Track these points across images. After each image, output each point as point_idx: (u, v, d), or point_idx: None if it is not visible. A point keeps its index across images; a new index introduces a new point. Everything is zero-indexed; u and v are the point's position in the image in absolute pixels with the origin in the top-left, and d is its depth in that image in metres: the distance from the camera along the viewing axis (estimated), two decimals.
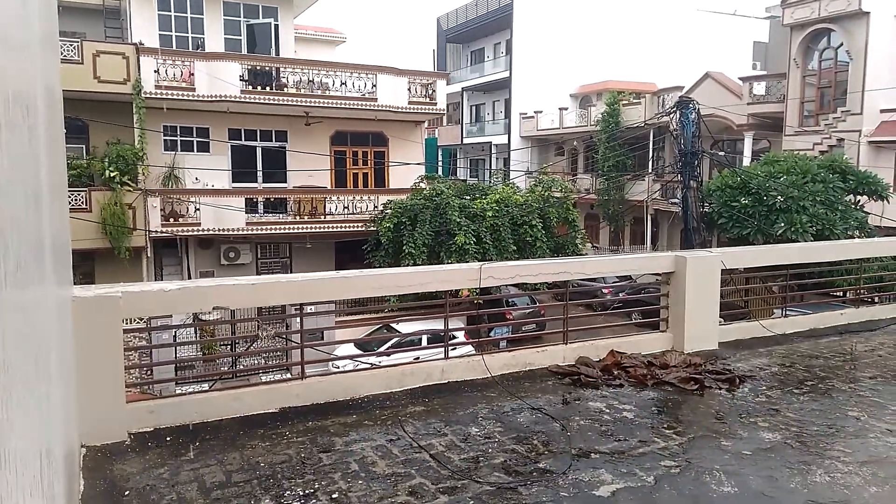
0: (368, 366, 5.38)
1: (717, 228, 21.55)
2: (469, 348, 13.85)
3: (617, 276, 19.40)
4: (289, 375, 15.78)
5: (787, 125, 25.97)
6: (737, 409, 4.52)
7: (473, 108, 46.78)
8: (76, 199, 16.76)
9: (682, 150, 20.63)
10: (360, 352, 15.40)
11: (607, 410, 4.49)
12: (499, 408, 4.53)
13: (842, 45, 24.53)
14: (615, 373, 5.22)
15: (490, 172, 40.11)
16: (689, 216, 20.68)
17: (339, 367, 12.65)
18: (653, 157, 31.87)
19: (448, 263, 17.40)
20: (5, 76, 1.39)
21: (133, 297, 3.97)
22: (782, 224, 18.92)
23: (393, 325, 17.25)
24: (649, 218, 30.75)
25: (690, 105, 20.49)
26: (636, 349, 5.70)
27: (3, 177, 1.26)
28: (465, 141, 45.80)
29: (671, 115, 21.40)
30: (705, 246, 20.99)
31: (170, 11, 20.02)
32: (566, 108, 38.41)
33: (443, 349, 5.33)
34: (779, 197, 19.20)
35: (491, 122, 44.36)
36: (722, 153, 27.12)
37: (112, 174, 17.06)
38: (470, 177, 43.13)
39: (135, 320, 11.52)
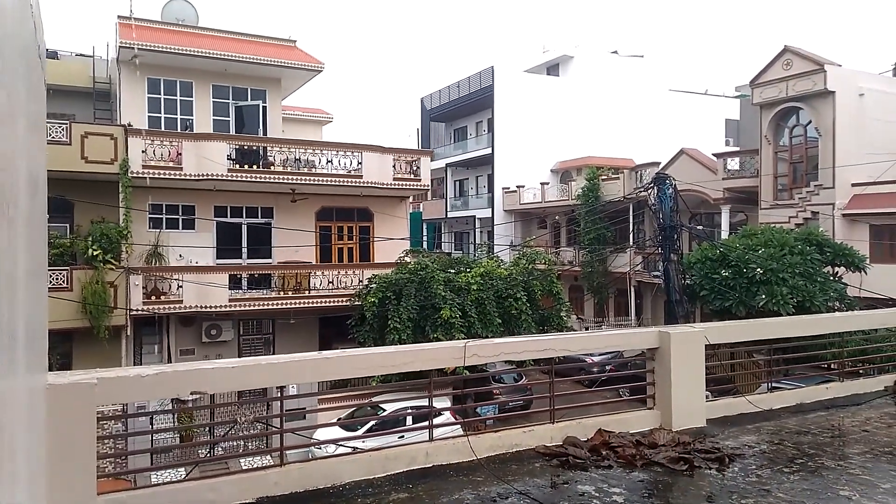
0: (350, 450, 5.23)
1: (700, 300, 21.71)
2: (456, 427, 13.59)
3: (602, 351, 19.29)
4: (269, 460, 15.30)
5: (762, 199, 26.69)
6: (728, 490, 4.42)
7: (457, 183, 47.69)
8: (57, 278, 16.55)
9: (662, 223, 21.03)
10: (344, 432, 15.02)
11: (596, 494, 4.37)
12: (485, 493, 4.39)
13: (810, 122, 25.58)
14: (604, 453, 5.12)
15: (474, 246, 40.53)
16: (671, 288, 20.85)
17: (321, 450, 12.31)
18: (633, 229, 32.46)
19: (433, 337, 17.25)
20: None
21: (109, 384, 3.87)
22: (763, 296, 19.13)
23: (377, 402, 16.93)
24: (633, 289, 30.97)
25: (667, 181, 21.05)
26: (624, 427, 5.62)
27: None
28: (450, 215, 46.44)
29: (649, 191, 21.94)
30: (689, 318, 21.06)
31: (159, 94, 20.54)
32: (547, 183, 39.32)
33: (427, 429, 5.21)
34: (758, 269, 19.50)
35: (474, 196, 45.17)
36: (700, 227, 27.69)
37: (95, 253, 16.95)
38: (454, 250, 43.49)
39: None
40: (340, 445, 7.00)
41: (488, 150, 41.40)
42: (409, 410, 14.47)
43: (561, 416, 5.68)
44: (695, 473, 4.76)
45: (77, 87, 22.41)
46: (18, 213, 2.17)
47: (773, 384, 7.26)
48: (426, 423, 5.27)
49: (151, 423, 14.78)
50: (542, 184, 39.06)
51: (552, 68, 47.04)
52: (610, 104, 42.86)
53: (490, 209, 41.41)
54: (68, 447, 3.62)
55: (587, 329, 30.21)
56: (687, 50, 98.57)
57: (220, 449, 14.52)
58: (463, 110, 44.99)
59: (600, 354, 20.35)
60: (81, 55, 23.91)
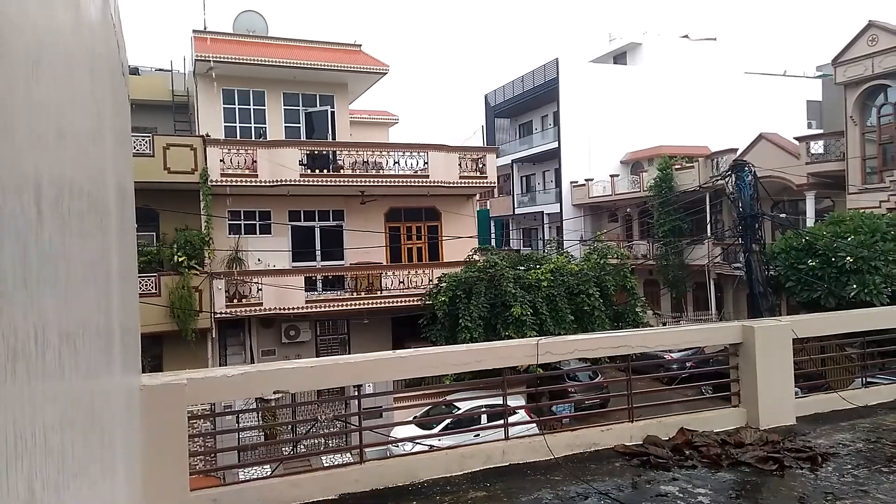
0: (427, 448, 5.28)
1: (785, 292, 20.69)
2: (531, 426, 13.48)
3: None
4: (349, 458, 15.64)
5: (849, 183, 25.14)
6: (822, 491, 4.18)
7: (524, 178, 47.25)
8: (146, 285, 17.49)
9: (741, 212, 20.14)
10: (420, 430, 15.18)
11: (681, 495, 4.23)
12: (564, 493, 4.33)
13: None
14: (687, 452, 4.95)
15: (543, 242, 40.05)
16: (754, 281, 19.95)
17: (399, 448, 12.48)
18: (711, 220, 31.22)
19: (505, 335, 17.18)
20: (78, 174, 1.47)
21: (198, 384, 4.05)
22: (854, 286, 18.04)
23: (452, 401, 17.01)
24: (712, 283, 29.81)
25: (746, 167, 20.16)
26: (707, 426, 5.41)
27: (76, 275, 1.29)
28: (517, 211, 46.08)
29: (727, 179, 21.06)
30: (774, 311, 20.09)
31: (234, 104, 21.37)
32: (617, 175, 38.38)
33: (503, 427, 5.18)
34: (848, 258, 18.40)
35: (542, 191, 44.62)
36: (783, 215, 26.34)
37: (180, 259, 17.82)
38: (523, 247, 43.13)
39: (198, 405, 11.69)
40: (417, 443, 7.07)
41: (554, 145, 40.80)
42: (484, 409, 14.45)
43: (640, 415, 5.53)
44: (785, 473, 4.53)
45: (158, 101, 23.60)
46: (110, 223, 2.29)
47: (868, 379, 6.81)
48: (501, 422, 5.25)
49: (238, 422, 15.43)
50: (611, 176, 38.15)
51: (619, 57, 45.83)
52: (682, 91, 41.37)
53: (558, 204, 40.80)
54: (162, 445, 3.81)
55: (664, 325, 29.33)
56: (762, 30, 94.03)
57: (301, 447, 14.99)
58: (527, 105, 44.51)
59: (679, 351, 19.71)
60: (161, 70, 25.17)
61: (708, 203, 30.34)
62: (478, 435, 10.20)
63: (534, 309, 18.48)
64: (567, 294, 19.31)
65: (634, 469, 4.75)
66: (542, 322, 18.39)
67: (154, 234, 19.39)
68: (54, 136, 1.13)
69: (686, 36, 47.08)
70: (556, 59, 40.46)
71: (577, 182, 39.98)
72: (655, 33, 45.88)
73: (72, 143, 1.38)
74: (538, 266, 20.15)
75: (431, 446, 5.55)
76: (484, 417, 14.65)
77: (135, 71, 25.16)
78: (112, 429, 2.13)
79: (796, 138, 27.88)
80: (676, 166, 32.75)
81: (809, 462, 4.68)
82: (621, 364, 6.15)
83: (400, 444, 13.12)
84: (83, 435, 1.40)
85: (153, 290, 17.54)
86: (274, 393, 4.32)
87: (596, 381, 19.12)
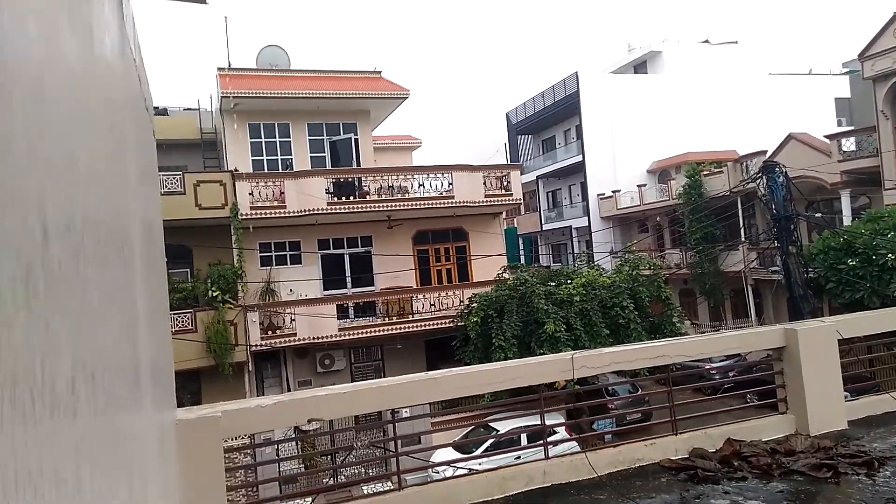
0: (466, 471, 5.18)
1: (827, 294, 20.09)
2: (572, 444, 13.19)
3: (724, 355, 18.25)
4: (389, 485, 15.43)
5: (885, 179, 24.42)
6: (882, 497, 3.98)
7: (550, 194, 47.04)
8: (182, 321, 17.70)
9: (775, 215, 19.70)
10: (459, 454, 15.00)
11: None
12: None
13: None
14: (735, 464, 4.77)
15: (573, 256, 39.70)
16: (793, 284, 19.43)
17: (438, 473, 12.34)
18: (744, 224, 30.60)
19: (539, 353, 16.97)
20: (98, 214, 1.48)
21: (233, 416, 4.04)
22: None
23: (490, 423, 16.79)
24: (750, 289, 29.10)
25: (776, 168, 19.75)
26: (755, 436, 5.22)
27: (94, 312, 1.29)
28: (545, 227, 45.82)
29: (757, 181, 20.66)
30: (816, 314, 19.52)
31: (260, 138, 21.80)
32: (645, 185, 37.98)
33: (543, 446, 5.07)
34: (889, 255, 17.81)
35: (569, 206, 44.33)
36: (819, 214, 25.69)
37: (214, 294, 18.04)
38: (553, 262, 42.79)
39: (237, 438, 11.76)
40: (456, 468, 6.96)
41: (578, 158, 40.62)
42: (523, 429, 14.21)
43: (684, 427, 5.36)
44: (841, 480, 4.33)
45: (187, 140, 24.18)
46: (134, 256, 2.29)
47: None
48: (541, 442, 5.13)
49: (277, 453, 15.45)
50: (638, 186, 37.75)
51: (639, 66, 45.61)
52: (706, 96, 40.94)
53: (586, 217, 40.48)
54: (199, 479, 3.80)
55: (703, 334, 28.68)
56: (784, 30, 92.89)
57: (342, 475, 14.93)
58: (549, 120, 44.48)
59: (720, 361, 19.22)
60: (189, 109, 25.81)
61: (740, 207, 29.77)
62: (518, 457, 10.02)
63: (567, 325, 18.25)
64: (600, 308, 19.04)
65: (682, 484, 4.59)
66: (577, 338, 18.14)
67: (188, 270, 19.67)
68: (63, 162, 1.13)
69: (706, 41, 46.70)
70: (576, 72, 40.46)
71: (603, 194, 39.64)
72: (675, 40, 45.56)
73: (83, 170, 1.37)
74: (569, 281, 19.94)
75: (471, 469, 5.45)
76: (524, 438, 14.42)
77: (164, 112, 25.83)
78: (143, 464, 2.11)
79: (827, 136, 27.27)
80: (705, 172, 32.25)
81: (865, 467, 4.47)
82: (661, 376, 5.99)
83: (440, 469, 12.98)
84: (104, 470, 1.38)
85: (189, 326, 17.75)
86: (309, 421, 4.28)
87: (636, 394, 18.73)
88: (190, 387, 18.29)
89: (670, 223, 36.52)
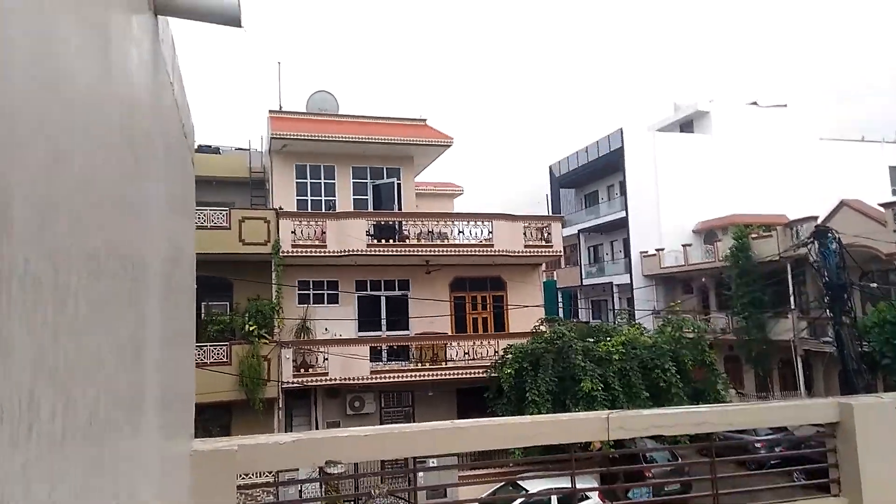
0: None
1: (882, 370, 19.03)
2: None
3: (770, 428, 17.32)
4: None
5: None
6: None
7: (591, 249, 46.58)
8: (218, 353, 17.90)
9: (828, 282, 18.94)
10: None
11: None
12: None
13: None
14: None
15: (614, 313, 38.86)
16: (846, 356, 18.50)
17: None
18: (793, 291, 29.53)
19: (575, 412, 16.42)
20: (103, 236, 1.45)
21: (249, 450, 3.91)
22: None
23: (520, 481, 16.18)
24: (799, 359, 27.84)
25: (829, 234, 19.10)
26: None
27: (77, 328, 1.23)
28: (585, 282, 45.21)
29: (809, 246, 19.98)
30: (870, 390, 18.48)
31: (306, 179, 22.30)
32: (690, 245, 37.25)
33: None
34: None
35: (610, 262, 43.76)
36: (874, 285, 24.63)
37: (251, 328, 18.21)
38: (592, 318, 41.99)
39: (262, 474, 11.65)
40: None
41: (621, 214, 40.26)
42: (553, 491, 13.62)
43: None
44: None
45: (237, 178, 24.92)
46: (148, 280, 2.21)
47: None
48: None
49: (300, 494, 15.13)
50: (683, 246, 37.04)
51: (685, 125, 45.42)
52: (753, 158, 40.38)
53: (628, 274, 39.78)
54: None
55: (750, 403, 27.46)
56: (834, 95, 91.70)
57: None
58: (593, 175, 44.43)
59: (766, 434, 18.24)
60: (240, 149, 26.66)
61: (790, 273, 28.79)
62: None
63: (605, 384, 17.68)
64: (641, 368, 18.44)
65: None
66: (615, 398, 17.52)
67: (228, 303, 19.94)
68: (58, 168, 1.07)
69: (754, 103, 46.29)
70: (621, 128, 40.52)
71: (646, 252, 39.00)
72: (722, 101, 45.34)
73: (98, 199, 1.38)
74: (608, 338, 19.43)
75: None
76: (554, 500, 13.82)
77: (216, 150, 26.78)
78: (145, 491, 2.05)
79: (881, 205, 26.36)
80: (753, 235, 31.43)
81: None
82: (703, 445, 5.62)
83: None
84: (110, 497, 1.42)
85: (224, 359, 17.87)
86: (327, 463, 4.12)
87: (676, 463, 17.87)
88: (221, 420, 18.35)
89: (716, 285, 35.55)
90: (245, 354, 17.95)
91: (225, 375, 17.37)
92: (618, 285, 41.35)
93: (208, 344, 17.88)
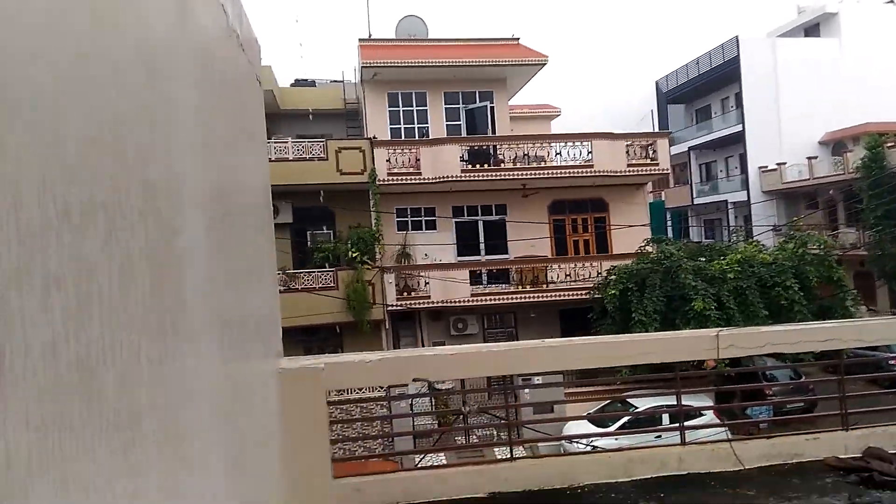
0: (589, 449, 4.71)
1: None
2: (720, 430, 12.07)
3: None
4: (521, 452, 15.18)
5: None
6: None
7: (703, 166, 43.96)
8: (325, 279, 18.79)
9: None
10: (594, 428, 14.37)
11: None
12: None
13: None
14: None
15: (729, 232, 36.77)
16: None
17: (572, 444, 11.83)
18: None
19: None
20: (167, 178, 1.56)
21: (335, 368, 3.90)
22: None
23: (628, 398, 15.94)
24: None
25: None
26: None
27: (184, 269, 1.53)
28: (696, 201, 42.91)
29: None
30: None
31: (398, 107, 22.18)
32: (815, 157, 34.14)
33: (679, 430, 4.46)
34: None
35: (724, 179, 41.17)
36: None
37: (354, 255, 18.84)
38: (704, 238, 40.02)
39: (373, 389, 12.20)
40: (576, 442, 6.47)
41: (737, 128, 37.45)
42: (664, 408, 13.20)
43: (856, 422, 4.47)
44: None
45: (333, 110, 25.21)
46: (229, 215, 2.37)
47: None
48: (677, 425, 4.52)
49: (411, 407, 15.74)
50: (808, 159, 34.01)
51: (811, 29, 40.76)
52: (888, 63, 35.92)
53: (745, 191, 37.34)
54: (302, 428, 3.69)
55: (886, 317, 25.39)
56: None
57: (473, 437, 14.95)
58: (704, 88, 41.36)
59: None
60: (335, 81, 26.80)
61: None
62: (660, 436, 9.29)
63: (718, 303, 16.85)
64: (759, 287, 17.39)
65: (852, 487, 3.80)
66: (730, 317, 16.70)
67: (331, 232, 20.66)
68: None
69: (891, 1, 40.53)
70: (736, 37, 37.24)
71: (765, 167, 36.25)
72: (854, 1, 40.07)
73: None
74: (722, 257, 18.37)
75: (595, 447, 4.96)
76: (665, 418, 13.42)
77: (312, 83, 27.18)
78: (250, 404, 2.42)
79: None
80: (889, 144, 28.30)
81: None
82: (830, 362, 5.07)
83: (573, 442, 12.48)
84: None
85: (332, 284, 18.72)
86: (414, 380, 4.04)
87: (799, 381, 16.87)
88: (333, 340, 19.55)
89: (845, 199, 32.55)
90: (350, 280, 18.68)
91: (333, 299, 18.17)
92: (733, 203, 39.00)
93: (315, 270, 18.83)
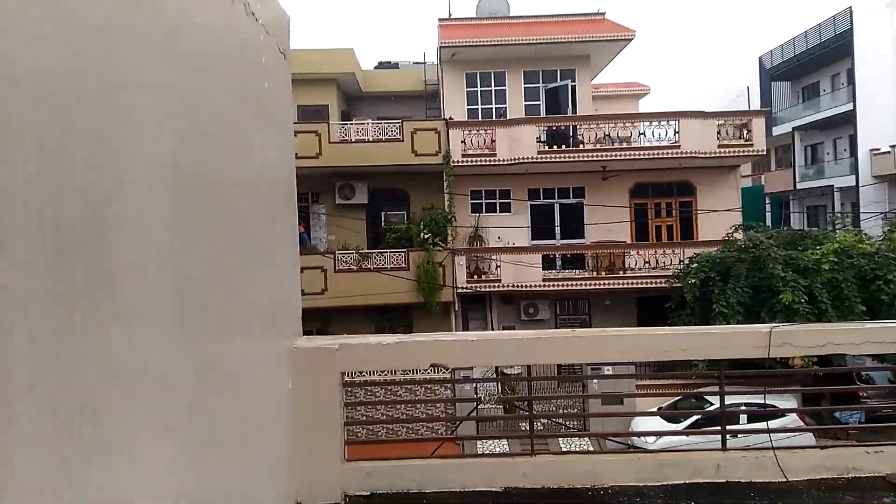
0: (616, 447, 4.46)
1: None
2: (808, 436, 11.28)
3: None
4: (585, 443, 14.88)
5: None
6: None
7: (808, 148, 40.92)
8: (397, 259, 19.03)
9: None
10: (666, 424, 13.84)
11: None
12: None
13: None
14: None
15: (833, 219, 34.18)
16: None
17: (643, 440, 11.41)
18: None
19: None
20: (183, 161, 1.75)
21: (350, 350, 3.86)
22: None
23: (706, 395, 15.22)
24: None
25: None
26: None
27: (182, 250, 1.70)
28: (800, 186, 40.07)
29: None
30: None
31: (476, 87, 21.93)
32: None
33: (720, 434, 4.12)
34: None
35: (832, 162, 38.16)
36: None
37: (426, 236, 18.95)
38: (808, 226, 37.37)
39: (440, 371, 12.18)
40: (626, 443, 6.17)
41: (848, 107, 34.56)
42: (743, 407, 12.47)
43: None
44: None
45: (413, 92, 25.32)
46: (220, 197, 2.40)
47: None
48: (719, 427, 4.17)
49: (476, 392, 15.74)
50: None
51: None
52: None
53: (853, 175, 34.50)
54: (313, 409, 3.69)
55: None
56: None
57: (539, 424, 14.73)
58: (813, 64, 38.34)
59: None
60: (417, 63, 26.85)
61: None
62: (735, 435, 8.75)
63: (810, 296, 15.67)
64: (858, 280, 16.04)
65: None
66: (822, 312, 15.51)
67: (405, 213, 20.87)
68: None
69: None
70: (850, 7, 34.16)
71: (878, 150, 33.30)
72: None
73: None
74: (818, 246, 17.03)
75: (630, 445, 4.69)
76: (743, 418, 12.68)
77: (395, 66, 27.34)
78: (254, 381, 2.63)
79: None
80: None
81: None
82: None
83: (645, 438, 12.01)
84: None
85: (403, 265, 18.93)
86: (432, 366, 3.93)
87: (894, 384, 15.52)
88: (402, 320, 19.81)
89: None
90: (421, 261, 18.83)
91: (403, 280, 18.34)
92: (840, 188, 36.19)
93: (388, 251, 19.10)
